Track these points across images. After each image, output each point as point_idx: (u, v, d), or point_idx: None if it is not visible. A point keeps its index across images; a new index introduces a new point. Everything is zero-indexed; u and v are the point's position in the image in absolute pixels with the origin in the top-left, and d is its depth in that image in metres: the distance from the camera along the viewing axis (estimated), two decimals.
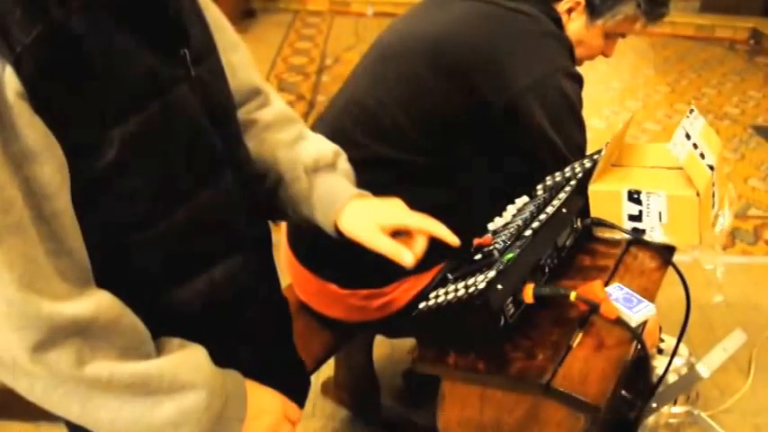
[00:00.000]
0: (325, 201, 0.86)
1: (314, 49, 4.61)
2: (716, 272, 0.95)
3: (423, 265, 1.21)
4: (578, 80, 1.17)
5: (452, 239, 0.82)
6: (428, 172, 1.16)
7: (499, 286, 0.78)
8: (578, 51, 1.23)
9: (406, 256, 0.80)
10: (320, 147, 0.90)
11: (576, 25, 1.20)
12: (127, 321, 0.65)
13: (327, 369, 1.66)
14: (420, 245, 0.82)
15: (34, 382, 0.61)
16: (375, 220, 0.83)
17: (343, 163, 0.91)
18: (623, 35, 1.27)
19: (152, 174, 0.66)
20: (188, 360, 0.68)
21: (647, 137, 3.50)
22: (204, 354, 0.71)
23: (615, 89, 4.23)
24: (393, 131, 1.15)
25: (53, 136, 0.58)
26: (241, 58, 0.87)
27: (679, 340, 1.04)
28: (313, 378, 1.14)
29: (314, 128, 1.00)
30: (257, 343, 0.82)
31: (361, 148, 1.15)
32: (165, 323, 0.70)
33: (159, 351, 0.68)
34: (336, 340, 1.31)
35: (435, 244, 0.97)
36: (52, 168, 0.58)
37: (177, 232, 0.69)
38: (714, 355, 1.65)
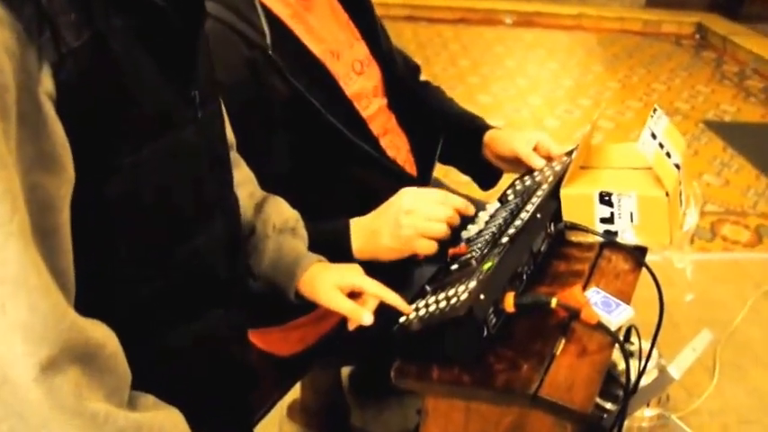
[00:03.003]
0: (288, 263, 0.95)
1: None
2: (686, 270, 1.01)
3: None
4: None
5: (405, 308, 0.90)
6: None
7: (482, 296, 0.80)
8: None
9: (366, 317, 0.89)
10: (286, 209, 1.00)
11: None
12: (122, 358, 0.65)
13: (293, 391, 1.65)
14: (372, 304, 0.91)
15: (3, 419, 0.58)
16: (333, 281, 0.92)
17: (302, 229, 1.01)
18: None
19: (152, 212, 0.67)
20: (171, 419, 0.69)
21: (601, 134, 3.63)
22: (181, 416, 0.71)
23: (566, 87, 4.37)
24: None
25: (70, 149, 0.58)
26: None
27: (653, 343, 1.09)
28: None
29: None
30: (213, 401, 0.83)
31: None
32: (136, 372, 0.69)
33: (132, 404, 0.67)
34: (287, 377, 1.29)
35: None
36: (61, 180, 0.58)
37: (166, 279, 0.71)
38: (684, 356, 1.72)
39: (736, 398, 1.94)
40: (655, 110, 1.00)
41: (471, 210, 1.01)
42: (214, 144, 0.79)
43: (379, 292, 0.92)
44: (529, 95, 4.17)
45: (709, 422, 1.86)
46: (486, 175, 1.37)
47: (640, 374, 1.07)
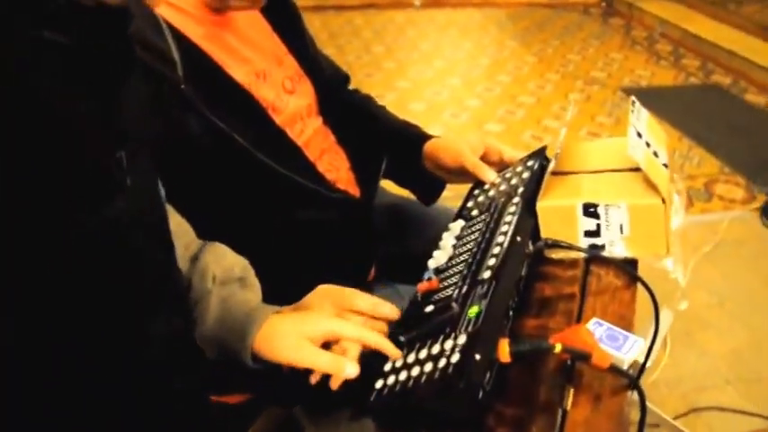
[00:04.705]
0: (238, 320, 0.77)
1: None
2: (679, 279, 0.91)
3: None
4: None
5: (394, 353, 0.75)
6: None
7: (477, 356, 0.67)
8: None
9: (349, 368, 0.73)
10: (229, 256, 0.85)
11: None
12: None
13: None
14: (354, 352, 0.76)
15: None
16: (300, 333, 0.75)
17: (253, 277, 0.85)
18: None
19: (81, 304, 0.55)
20: None
21: (523, 110, 3.59)
22: None
23: (483, 66, 4.32)
24: None
25: None
26: None
27: (644, 363, 0.99)
28: None
29: None
30: None
31: None
32: None
33: None
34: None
35: None
36: None
37: (105, 391, 0.59)
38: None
39: (690, 365, 1.95)
40: (633, 102, 0.89)
41: (394, 314, 0.82)
42: (149, 215, 0.65)
43: (361, 334, 0.76)
44: (447, 77, 4.10)
45: (668, 393, 1.86)
46: (427, 187, 1.23)
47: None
